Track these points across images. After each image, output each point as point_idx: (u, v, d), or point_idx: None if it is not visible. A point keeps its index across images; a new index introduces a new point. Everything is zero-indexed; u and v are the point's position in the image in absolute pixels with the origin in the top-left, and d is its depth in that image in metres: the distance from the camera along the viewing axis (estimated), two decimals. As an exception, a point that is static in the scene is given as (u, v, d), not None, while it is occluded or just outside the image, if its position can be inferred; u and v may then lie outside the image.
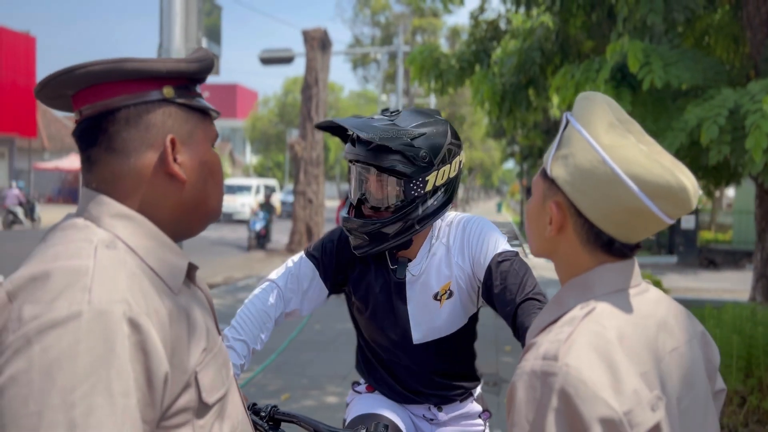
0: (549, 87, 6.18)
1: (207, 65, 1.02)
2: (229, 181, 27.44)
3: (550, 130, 16.51)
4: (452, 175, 1.64)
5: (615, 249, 0.98)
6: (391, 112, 1.64)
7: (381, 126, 1.57)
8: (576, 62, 5.78)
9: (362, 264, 1.77)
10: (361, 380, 1.92)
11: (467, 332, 1.78)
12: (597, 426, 0.84)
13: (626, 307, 0.97)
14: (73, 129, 0.98)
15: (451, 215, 1.76)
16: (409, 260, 1.71)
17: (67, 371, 0.75)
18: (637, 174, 0.93)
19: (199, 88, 1.04)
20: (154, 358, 0.82)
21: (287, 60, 15.04)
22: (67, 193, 32.93)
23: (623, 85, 5.28)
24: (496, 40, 7.23)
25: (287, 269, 1.79)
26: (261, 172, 48.17)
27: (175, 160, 0.97)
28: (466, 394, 1.84)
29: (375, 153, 1.56)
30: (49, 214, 23.22)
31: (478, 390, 1.89)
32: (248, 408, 1.49)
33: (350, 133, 1.63)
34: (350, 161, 1.64)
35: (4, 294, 0.82)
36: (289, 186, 29.18)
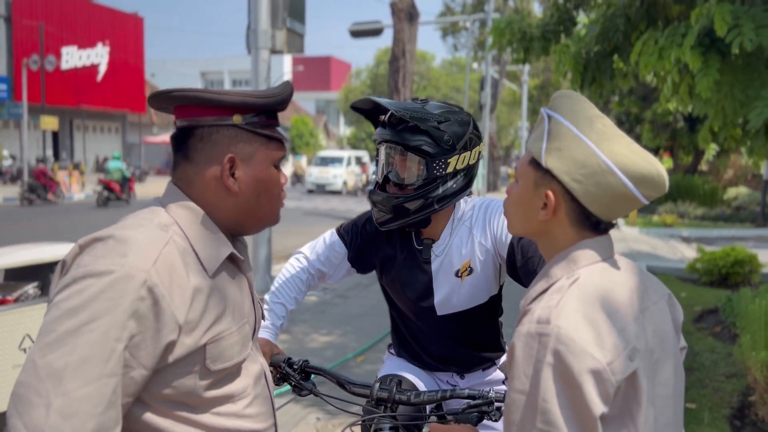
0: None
1: (277, 101, 1.21)
2: (321, 154, 28.31)
3: (647, 96, 15.75)
4: (471, 162, 1.78)
5: (599, 228, 1.13)
6: (422, 100, 1.80)
7: (413, 108, 1.73)
8: (662, 28, 5.56)
9: (390, 244, 1.91)
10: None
11: (489, 308, 1.90)
12: (586, 375, 0.98)
13: (605, 276, 1.10)
14: (171, 135, 1.22)
15: (473, 200, 1.88)
16: (434, 241, 1.85)
17: (87, 309, 1.00)
18: (623, 164, 1.08)
19: (276, 116, 1.23)
20: (163, 320, 1.04)
21: (376, 32, 15.18)
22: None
23: (711, 51, 5.04)
24: (582, 7, 7.02)
25: (322, 245, 1.98)
26: (354, 143, 48.92)
27: (233, 175, 1.17)
28: (490, 363, 1.96)
29: (404, 133, 1.71)
30: (157, 184, 24.70)
31: (503, 359, 1.98)
32: (284, 362, 1.70)
33: (382, 118, 1.79)
34: (379, 142, 1.79)
35: (77, 246, 1.09)
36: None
